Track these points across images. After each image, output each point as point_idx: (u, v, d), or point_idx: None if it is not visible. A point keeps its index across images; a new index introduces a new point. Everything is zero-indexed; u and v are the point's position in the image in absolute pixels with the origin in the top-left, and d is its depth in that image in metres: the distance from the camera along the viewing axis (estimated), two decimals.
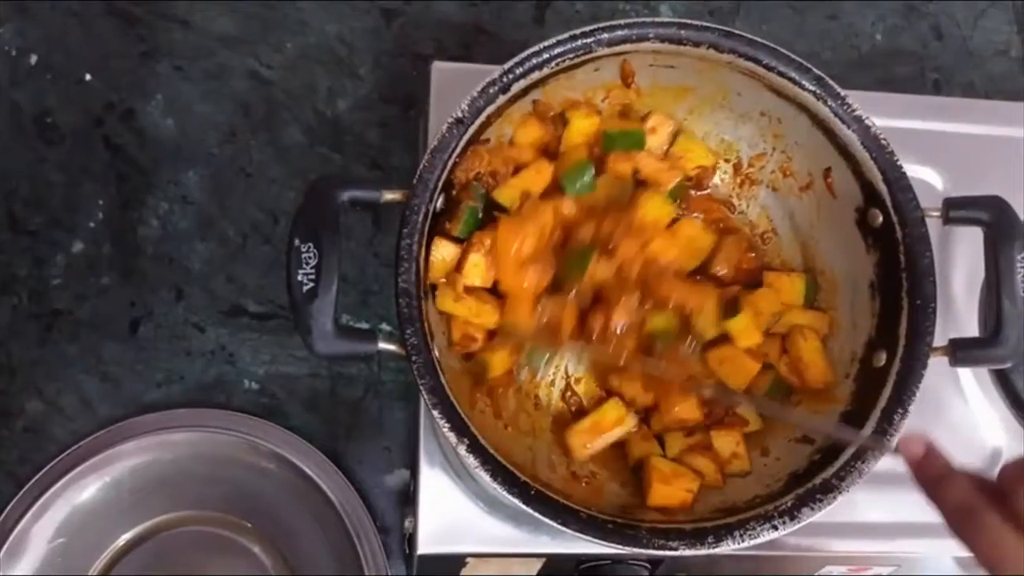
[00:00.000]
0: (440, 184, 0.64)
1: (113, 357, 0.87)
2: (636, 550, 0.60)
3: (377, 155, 0.95)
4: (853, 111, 0.68)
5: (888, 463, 0.63)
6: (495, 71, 0.66)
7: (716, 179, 0.77)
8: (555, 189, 0.70)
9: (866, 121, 0.68)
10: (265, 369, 0.88)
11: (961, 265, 0.81)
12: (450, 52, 0.98)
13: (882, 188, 0.67)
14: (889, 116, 0.72)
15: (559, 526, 0.59)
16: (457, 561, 0.72)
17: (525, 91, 0.67)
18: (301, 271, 0.61)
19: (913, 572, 0.79)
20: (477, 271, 0.67)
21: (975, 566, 0.77)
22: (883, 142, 0.67)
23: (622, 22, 0.67)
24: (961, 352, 0.67)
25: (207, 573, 0.82)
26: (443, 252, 0.67)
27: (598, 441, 0.69)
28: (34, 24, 0.95)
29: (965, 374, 0.80)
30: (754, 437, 0.71)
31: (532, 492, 0.59)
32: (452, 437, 0.59)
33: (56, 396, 0.86)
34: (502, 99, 0.66)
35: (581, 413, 0.72)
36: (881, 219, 0.68)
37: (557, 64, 0.67)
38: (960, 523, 0.48)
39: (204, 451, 0.82)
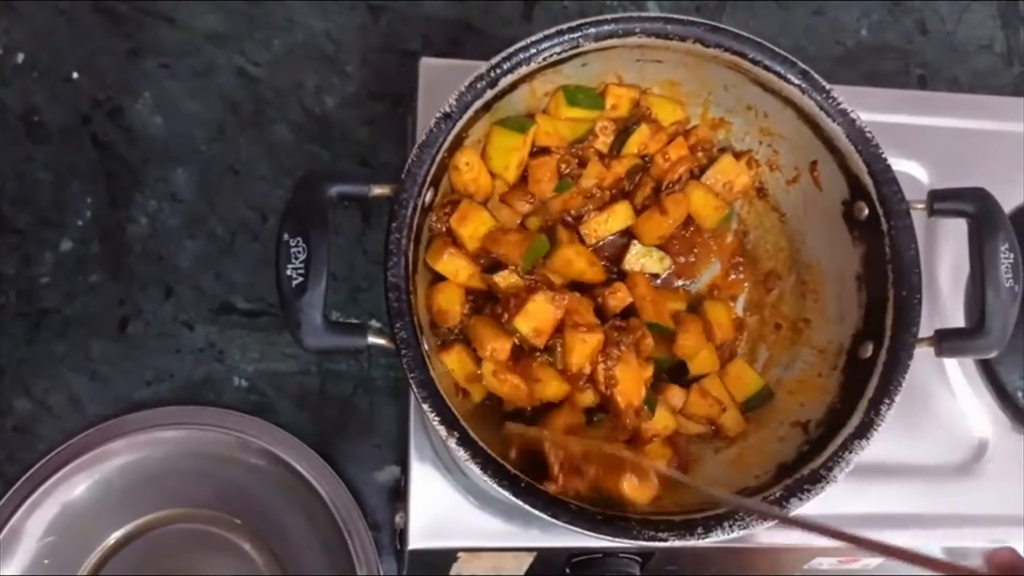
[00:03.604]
0: (429, 178, 0.64)
1: (102, 355, 0.87)
2: (626, 541, 0.60)
3: (365, 152, 0.95)
4: (838, 105, 0.68)
5: (877, 454, 0.64)
6: (482, 66, 0.66)
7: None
8: None
9: (851, 114, 0.68)
10: (254, 366, 0.88)
11: (946, 257, 0.82)
12: (438, 48, 0.99)
13: (867, 181, 0.68)
14: (874, 110, 0.72)
15: (549, 518, 0.59)
16: (448, 556, 0.72)
17: (513, 86, 0.68)
18: (290, 266, 0.61)
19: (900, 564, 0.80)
20: None
21: (963, 557, 0.79)
22: (868, 135, 0.68)
23: (609, 17, 0.68)
24: (947, 343, 0.67)
25: (198, 571, 0.82)
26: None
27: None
28: (20, 22, 0.95)
29: (951, 365, 0.81)
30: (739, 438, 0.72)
31: (522, 484, 0.59)
32: (442, 430, 0.59)
33: (45, 395, 0.85)
34: (489, 94, 0.66)
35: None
36: (867, 212, 0.68)
37: (544, 59, 0.67)
38: None
39: (194, 449, 0.82)
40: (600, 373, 0.66)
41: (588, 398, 0.68)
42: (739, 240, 0.78)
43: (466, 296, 0.69)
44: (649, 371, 0.69)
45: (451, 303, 0.68)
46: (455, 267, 0.68)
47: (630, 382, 0.67)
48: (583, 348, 0.65)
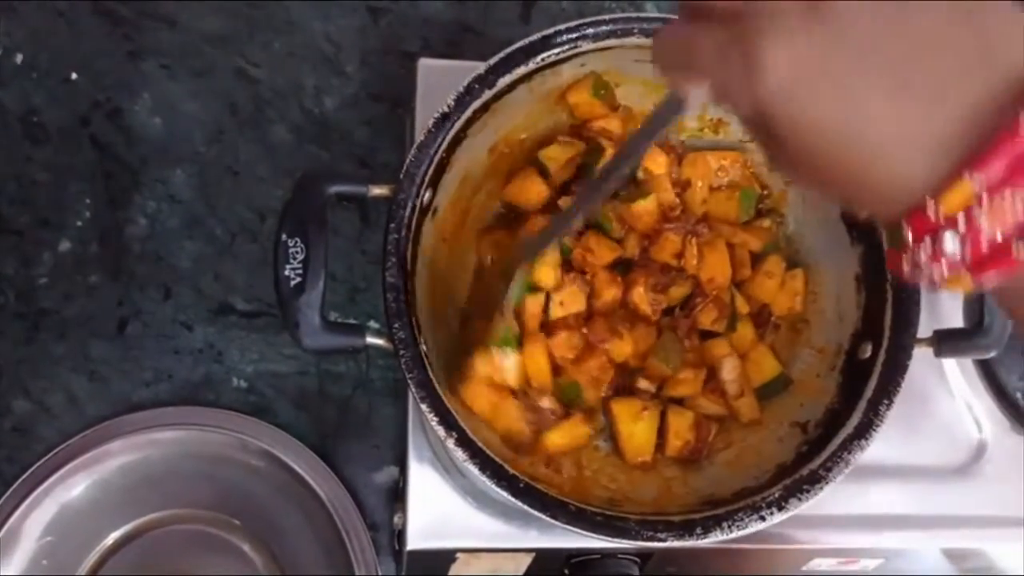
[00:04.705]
0: (427, 179, 0.64)
1: (101, 356, 0.87)
2: (625, 542, 0.60)
3: (364, 153, 0.95)
4: None
5: (875, 455, 0.64)
6: (481, 67, 0.66)
7: None
8: None
9: None
10: (253, 367, 0.88)
11: None
12: (437, 50, 0.99)
13: None
14: None
15: (548, 519, 0.59)
16: (447, 557, 0.72)
17: (511, 87, 0.68)
18: (288, 266, 0.61)
19: (900, 564, 0.80)
20: None
21: (963, 559, 0.79)
22: None
23: (607, 17, 0.68)
24: (945, 343, 0.68)
25: (196, 571, 0.82)
26: None
27: None
28: (20, 23, 0.95)
29: (950, 365, 0.80)
30: (749, 427, 0.72)
31: (521, 485, 0.59)
32: (440, 431, 0.59)
33: (43, 395, 0.85)
34: (488, 94, 0.66)
35: None
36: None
37: (543, 60, 0.67)
38: None
39: (193, 449, 0.82)
40: (692, 248, 0.72)
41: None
42: None
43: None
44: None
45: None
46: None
47: (717, 263, 0.72)
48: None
